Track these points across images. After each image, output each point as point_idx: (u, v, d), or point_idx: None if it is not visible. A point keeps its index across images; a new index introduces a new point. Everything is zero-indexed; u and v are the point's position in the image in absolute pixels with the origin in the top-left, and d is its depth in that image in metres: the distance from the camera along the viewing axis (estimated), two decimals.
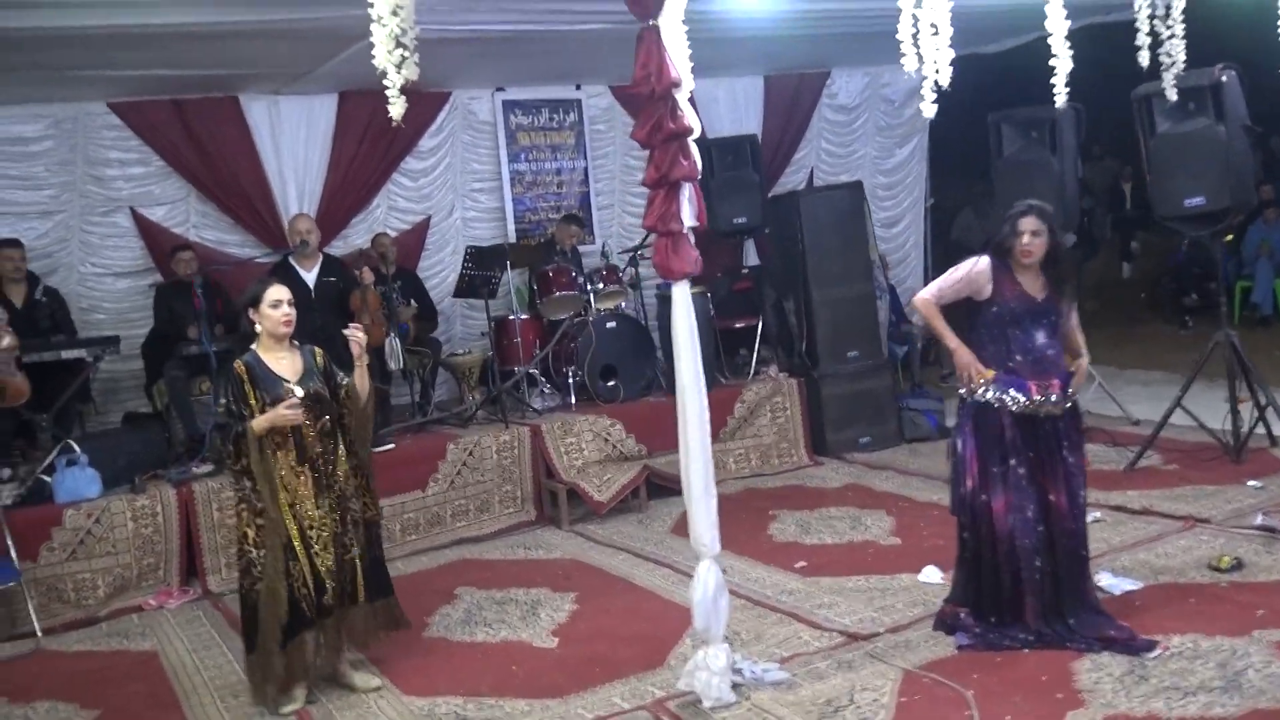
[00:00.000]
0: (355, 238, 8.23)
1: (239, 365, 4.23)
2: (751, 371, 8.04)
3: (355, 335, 4.32)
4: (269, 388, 4.19)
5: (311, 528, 4.20)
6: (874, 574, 5.23)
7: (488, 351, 7.91)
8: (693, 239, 3.91)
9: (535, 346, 7.78)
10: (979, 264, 4.35)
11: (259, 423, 4.14)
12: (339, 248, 7.91)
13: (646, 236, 8.45)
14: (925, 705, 3.79)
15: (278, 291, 4.21)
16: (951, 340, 4.35)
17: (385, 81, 3.35)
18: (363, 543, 4.38)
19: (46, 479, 5.94)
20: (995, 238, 4.46)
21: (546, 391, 7.78)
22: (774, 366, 8.12)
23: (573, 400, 7.56)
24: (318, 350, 4.37)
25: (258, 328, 4.23)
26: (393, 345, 6.99)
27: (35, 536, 5.62)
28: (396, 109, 3.35)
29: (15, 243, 6.78)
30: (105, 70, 6.49)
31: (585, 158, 9.21)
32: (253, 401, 4.18)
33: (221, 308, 6.99)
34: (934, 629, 4.44)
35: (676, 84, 3.75)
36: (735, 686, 3.97)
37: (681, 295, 3.90)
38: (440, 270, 8.66)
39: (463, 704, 4.16)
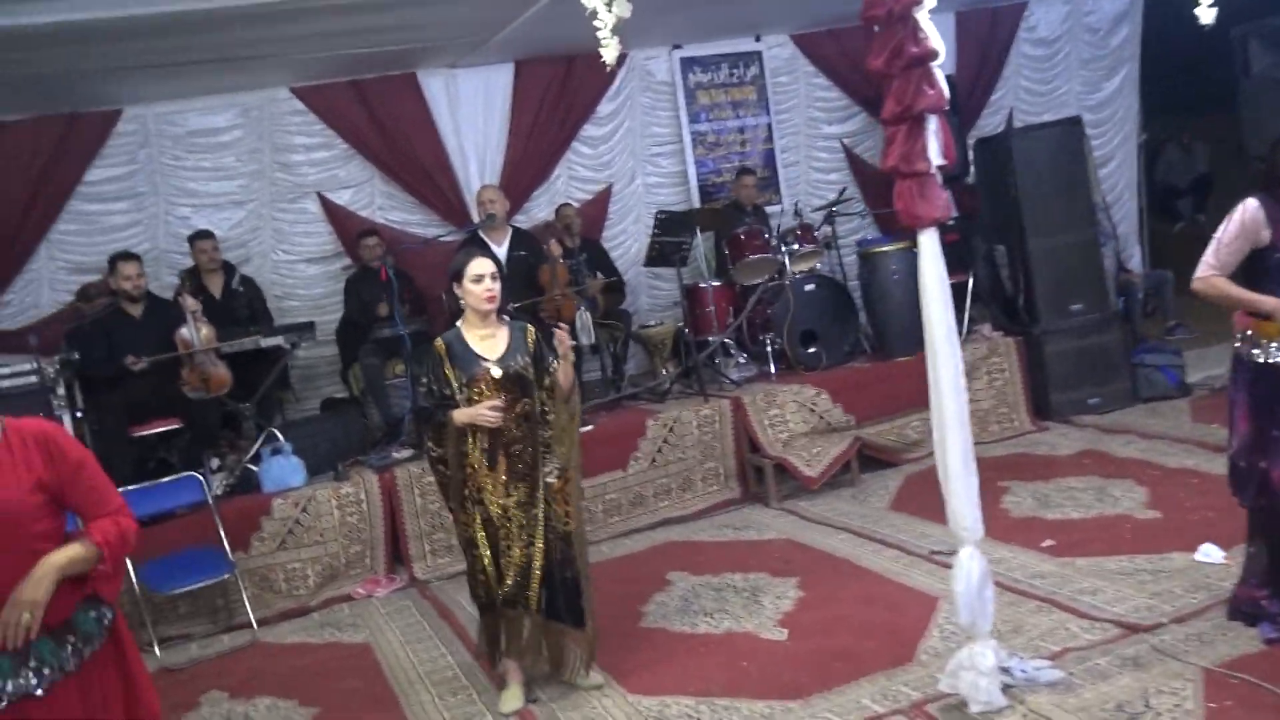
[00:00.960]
0: (537, 210, 8.00)
1: (439, 344, 3.99)
2: (963, 331, 7.42)
3: (564, 341, 3.96)
4: (466, 366, 3.94)
5: (500, 515, 3.94)
6: (1138, 554, 4.63)
7: (678, 322, 7.57)
8: (940, 179, 3.41)
9: (729, 314, 7.38)
10: (1247, 209, 3.59)
11: (460, 415, 3.89)
12: (521, 221, 7.68)
13: (842, 192, 7.98)
14: (1241, 713, 3.23)
15: (480, 265, 3.93)
16: (1268, 302, 3.57)
17: (595, 23, 2.97)
18: (550, 552, 3.97)
19: (253, 468, 5.92)
20: (1266, 169, 3.75)
21: (742, 361, 7.38)
22: (987, 325, 7.49)
23: (772, 369, 7.13)
24: (530, 329, 4.07)
25: (462, 303, 3.97)
26: (583, 320, 6.72)
27: (246, 527, 5.60)
28: (610, 52, 2.99)
29: (207, 234, 6.84)
30: (286, 52, 6.41)
31: (768, 113, 8.72)
32: (453, 381, 3.94)
33: (410, 290, 6.89)
34: (1229, 619, 3.85)
35: (918, 1, 3.25)
36: (1005, 688, 3.49)
37: (930, 245, 3.42)
38: (624, 240, 8.36)
39: (695, 705, 3.82)
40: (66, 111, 6.77)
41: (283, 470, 5.80)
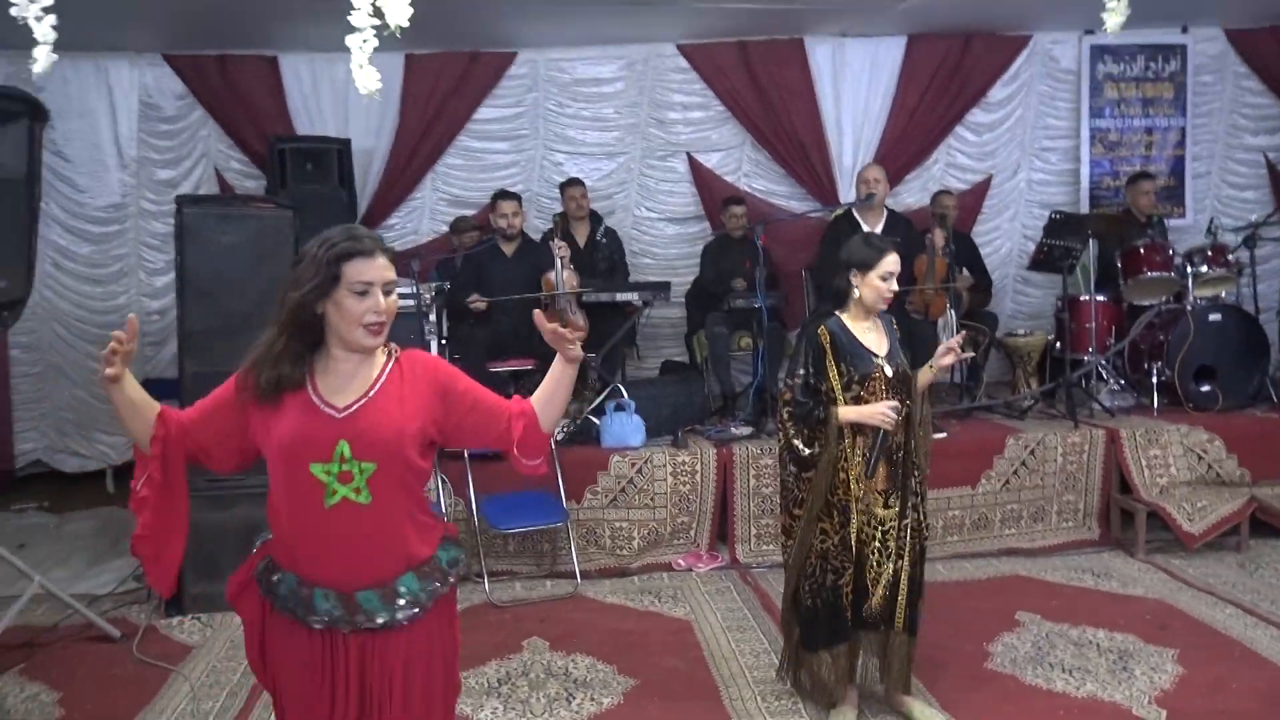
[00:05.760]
0: (907, 195, 7.55)
1: (823, 332, 3.65)
2: None
3: (948, 356, 3.71)
4: (857, 363, 3.60)
5: (876, 527, 3.61)
6: None
7: (1049, 334, 6.91)
8: None
9: (1110, 334, 6.64)
10: None
11: (847, 414, 3.57)
12: (890, 205, 7.24)
13: (1271, 214, 6.97)
14: None
15: (893, 262, 3.58)
16: None
17: None
18: (915, 560, 3.72)
19: (594, 420, 5.92)
20: None
21: (1117, 388, 6.62)
22: None
23: (1153, 403, 6.34)
24: (893, 320, 3.76)
25: (856, 293, 3.64)
26: (948, 318, 6.24)
27: (581, 478, 5.60)
28: (1113, 19, 2.51)
29: (578, 181, 6.91)
30: (676, 2, 6.32)
31: (1184, 115, 7.76)
32: (832, 376, 3.61)
33: (768, 263, 6.65)
34: None
35: None
36: None
37: None
38: (995, 238, 7.76)
39: None
40: (469, 49, 7.06)
41: (624, 428, 5.75)
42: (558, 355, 2.37)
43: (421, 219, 7.42)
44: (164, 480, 2.29)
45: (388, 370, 2.32)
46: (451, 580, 2.39)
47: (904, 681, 3.75)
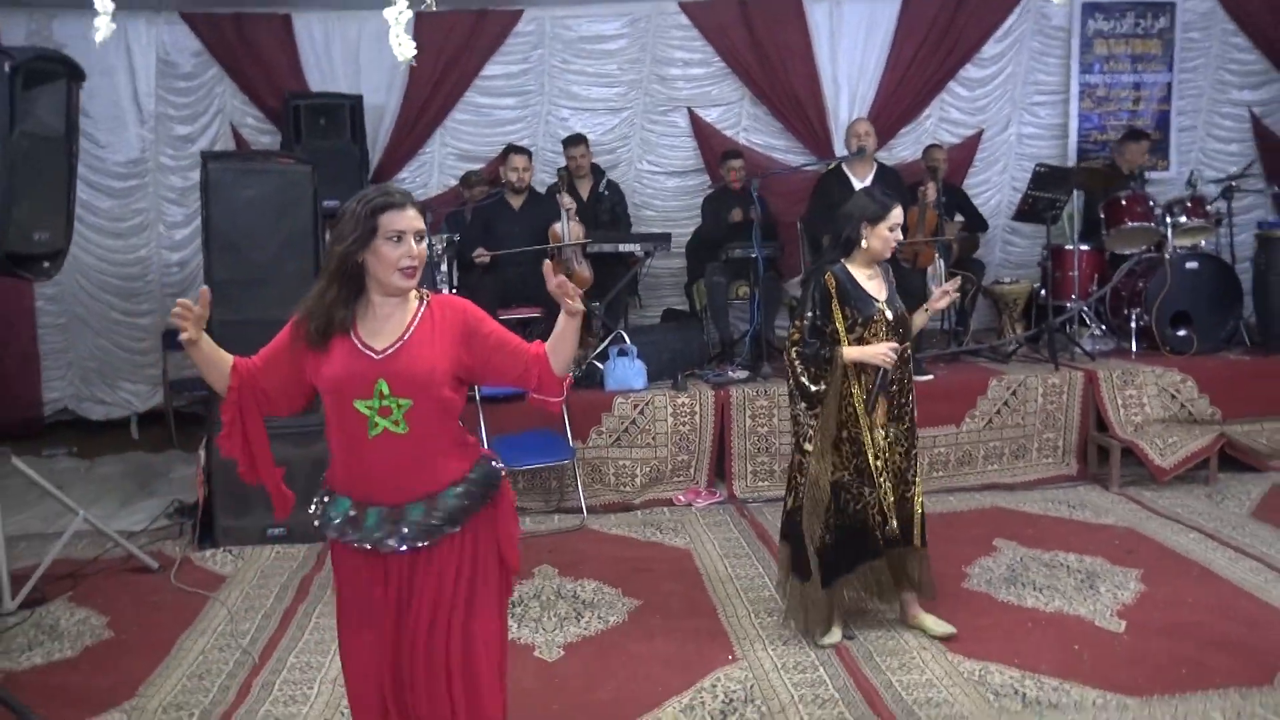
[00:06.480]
0: (901, 149, 7.81)
1: (829, 278, 3.91)
2: None
3: (941, 300, 4.15)
4: (861, 306, 3.90)
5: (876, 458, 3.93)
6: None
7: (1034, 282, 7.20)
8: None
9: (1092, 282, 6.93)
10: None
11: (851, 353, 3.86)
12: (883, 159, 7.49)
13: (1250, 165, 7.24)
14: None
15: (899, 215, 3.91)
16: None
17: None
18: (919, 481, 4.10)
19: (599, 365, 6.23)
20: None
21: (1099, 333, 6.93)
22: None
23: (1133, 347, 6.65)
24: (890, 269, 4.06)
25: (864, 243, 3.92)
26: (937, 268, 6.53)
27: (587, 420, 5.92)
28: None
29: (581, 139, 7.13)
30: None
31: (1171, 70, 8.00)
32: (837, 318, 3.89)
33: (765, 215, 6.93)
34: None
35: None
36: None
37: None
38: (986, 190, 8.02)
39: (1019, 677, 3.69)
40: (477, 8, 7.30)
41: (626, 372, 6.07)
42: (561, 309, 2.53)
43: (431, 173, 7.69)
44: (242, 423, 2.61)
45: (420, 314, 2.58)
46: (488, 496, 2.63)
47: (929, 589, 4.12)
